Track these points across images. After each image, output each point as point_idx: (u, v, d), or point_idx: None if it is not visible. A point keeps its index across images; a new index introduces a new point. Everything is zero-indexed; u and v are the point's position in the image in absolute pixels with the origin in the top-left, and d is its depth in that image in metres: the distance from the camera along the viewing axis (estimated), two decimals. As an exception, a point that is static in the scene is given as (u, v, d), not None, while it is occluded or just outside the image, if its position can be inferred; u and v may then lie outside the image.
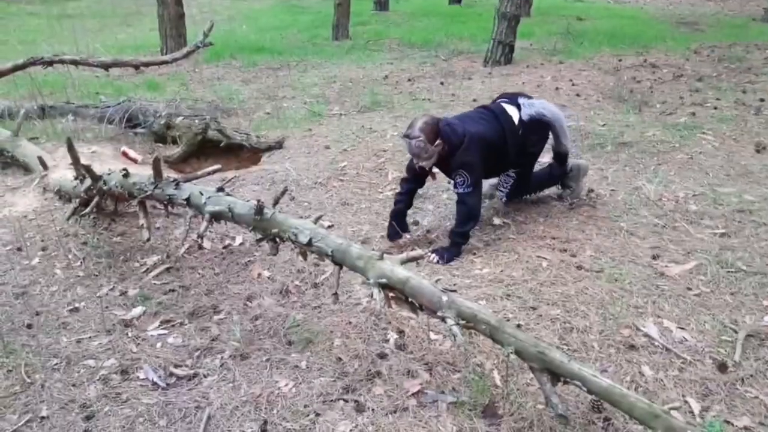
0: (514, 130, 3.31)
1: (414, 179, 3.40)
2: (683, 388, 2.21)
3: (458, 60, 8.60)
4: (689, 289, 2.80)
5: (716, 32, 10.27)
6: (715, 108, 5.61)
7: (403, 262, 2.31)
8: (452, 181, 3.23)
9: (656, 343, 2.44)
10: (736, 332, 2.48)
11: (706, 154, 4.46)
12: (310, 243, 2.45)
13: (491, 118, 3.32)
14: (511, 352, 1.98)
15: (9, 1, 17.73)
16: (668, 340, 2.46)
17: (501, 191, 3.67)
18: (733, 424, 2.04)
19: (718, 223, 3.41)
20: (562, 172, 3.71)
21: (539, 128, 3.42)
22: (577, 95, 6.24)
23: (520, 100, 3.41)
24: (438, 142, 3.09)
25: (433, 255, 3.17)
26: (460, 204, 3.23)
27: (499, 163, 3.45)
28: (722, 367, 2.29)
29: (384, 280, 2.22)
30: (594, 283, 2.86)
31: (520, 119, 3.33)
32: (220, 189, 2.84)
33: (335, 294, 2.44)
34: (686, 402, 2.14)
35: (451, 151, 3.14)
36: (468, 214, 3.22)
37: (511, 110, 3.36)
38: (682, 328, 2.52)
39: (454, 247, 3.22)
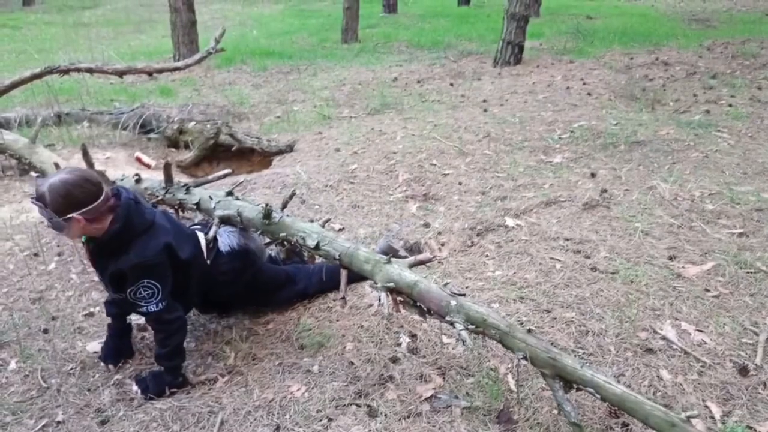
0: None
1: None
2: (703, 393, 2.16)
3: (467, 61, 8.57)
4: (707, 290, 2.75)
5: (729, 29, 10.15)
6: (730, 105, 5.53)
7: (412, 266, 2.29)
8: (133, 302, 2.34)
9: (674, 346, 2.39)
10: (756, 334, 2.43)
11: (721, 152, 4.39)
12: (317, 247, 2.44)
13: None
14: (523, 358, 1.95)
15: (27, 12, 18.00)
16: (687, 343, 2.41)
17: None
18: (755, 430, 1.99)
19: (735, 223, 3.35)
20: None
21: None
22: (589, 94, 6.18)
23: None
24: (76, 216, 2.13)
25: (135, 387, 2.41)
26: (156, 326, 2.42)
27: None
28: (743, 371, 2.24)
29: (392, 284, 2.19)
30: (609, 285, 2.81)
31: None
32: (230, 193, 2.84)
33: (343, 298, 2.43)
34: (706, 407, 2.09)
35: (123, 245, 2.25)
36: (169, 330, 2.40)
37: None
38: (701, 331, 2.48)
39: (168, 374, 2.41)
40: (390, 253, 2.65)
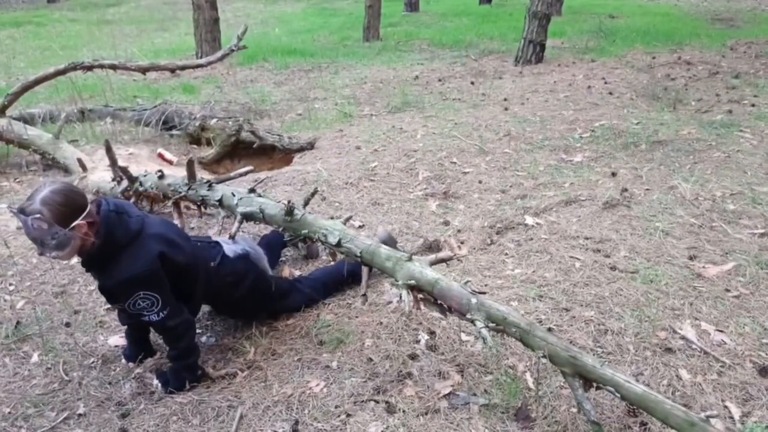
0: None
1: None
2: (722, 393, 2.15)
3: (489, 59, 8.55)
4: (728, 290, 2.73)
5: (753, 28, 9.99)
6: (753, 105, 5.46)
7: (433, 264, 2.30)
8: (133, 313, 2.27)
9: (694, 346, 2.38)
10: (777, 336, 2.41)
11: (743, 152, 4.33)
12: (339, 244, 2.46)
13: None
14: (543, 356, 1.96)
15: (52, 9, 18.28)
16: (706, 343, 2.40)
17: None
18: (774, 431, 1.98)
19: (757, 223, 3.31)
20: None
21: None
22: (610, 93, 6.13)
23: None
24: (80, 222, 2.04)
25: (156, 382, 2.42)
26: (161, 331, 2.36)
27: None
28: (763, 371, 2.23)
29: (413, 282, 2.21)
30: (629, 285, 2.80)
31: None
32: (252, 190, 2.87)
33: (364, 295, 2.44)
34: (726, 407, 2.08)
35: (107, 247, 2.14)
36: (176, 333, 2.35)
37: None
38: (721, 331, 2.46)
39: (185, 371, 2.40)
40: (390, 243, 2.71)
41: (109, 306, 2.49)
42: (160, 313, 2.19)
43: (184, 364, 2.38)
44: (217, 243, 2.62)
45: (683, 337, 2.43)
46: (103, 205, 2.13)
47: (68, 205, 1.98)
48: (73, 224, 1.98)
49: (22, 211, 1.95)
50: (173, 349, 2.36)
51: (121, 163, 3.60)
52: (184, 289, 2.34)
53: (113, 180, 3.70)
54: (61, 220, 1.96)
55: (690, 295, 2.70)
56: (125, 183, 3.48)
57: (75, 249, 2.06)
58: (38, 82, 5.21)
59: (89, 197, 2.12)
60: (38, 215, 1.92)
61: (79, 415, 2.25)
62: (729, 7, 13.38)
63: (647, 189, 3.82)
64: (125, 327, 2.58)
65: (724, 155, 4.29)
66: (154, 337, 2.64)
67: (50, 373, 2.48)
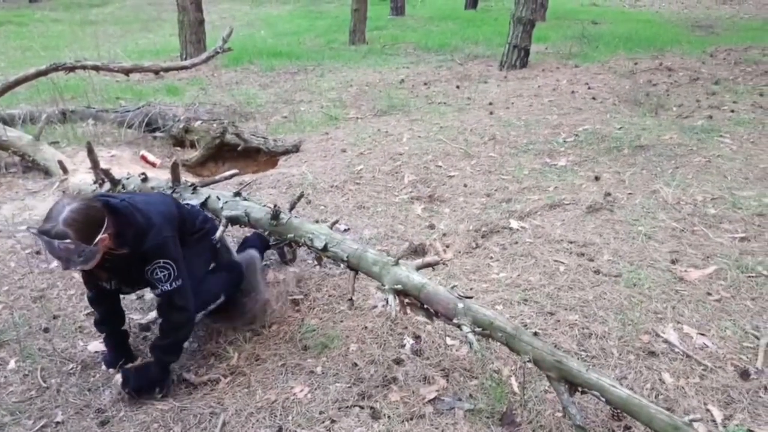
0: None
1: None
2: (705, 396, 2.17)
3: (474, 64, 8.58)
4: (709, 294, 2.76)
5: (732, 35, 10.14)
6: (732, 111, 5.53)
7: (419, 268, 2.30)
8: (150, 281, 2.26)
9: (676, 350, 2.40)
10: (758, 338, 2.44)
11: (723, 157, 4.39)
12: (325, 248, 2.45)
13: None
14: (528, 361, 1.96)
15: (34, 9, 18.06)
16: (689, 346, 2.42)
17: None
18: (756, 434, 2.00)
19: (737, 227, 3.35)
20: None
21: None
22: (593, 98, 6.18)
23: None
24: (102, 236, 2.06)
25: (118, 376, 2.36)
26: (165, 309, 2.33)
27: None
28: (744, 374, 2.25)
29: (399, 286, 2.20)
30: (612, 288, 2.82)
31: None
32: (237, 193, 2.85)
33: (350, 300, 2.44)
34: (708, 410, 2.10)
35: (137, 240, 2.19)
36: (177, 321, 2.35)
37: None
38: (703, 334, 2.48)
39: (156, 368, 2.35)
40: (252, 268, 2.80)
41: (123, 294, 2.50)
42: (173, 282, 2.23)
43: (161, 359, 2.34)
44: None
45: (666, 341, 2.45)
46: (113, 202, 2.18)
47: (90, 223, 2.03)
48: (97, 239, 2.03)
49: (46, 233, 1.97)
50: (163, 337, 2.34)
51: (103, 165, 3.56)
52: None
53: (95, 182, 3.64)
54: (85, 238, 2.00)
55: (672, 299, 2.73)
56: (107, 186, 3.44)
57: (99, 259, 2.10)
58: (19, 82, 5.14)
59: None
60: (65, 239, 1.96)
61: (57, 423, 2.22)
62: (708, 15, 13.57)
63: (630, 193, 3.85)
64: (103, 339, 2.54)
65: (704, 160, 4.34)
66: (135, 342, 2.61)
67: (27, 379, 2.44)
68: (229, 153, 5.22)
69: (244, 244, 3.09)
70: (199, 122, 5.28)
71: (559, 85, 6.87)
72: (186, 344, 2.63)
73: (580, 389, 1.91)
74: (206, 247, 2.65)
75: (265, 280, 2.94)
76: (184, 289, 2.28)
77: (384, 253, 2.43)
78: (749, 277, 2.86)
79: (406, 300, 2.23)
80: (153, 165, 4.87)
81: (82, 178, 4.00)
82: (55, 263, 3.30)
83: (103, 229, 2.05)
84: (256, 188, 4.23)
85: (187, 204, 2.76)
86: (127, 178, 3.36)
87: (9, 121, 5.26)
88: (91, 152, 3.44)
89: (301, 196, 2.83)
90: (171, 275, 2.23)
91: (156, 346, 2.35)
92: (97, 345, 2.64)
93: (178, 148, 5.34)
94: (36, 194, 4.26)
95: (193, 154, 5.07)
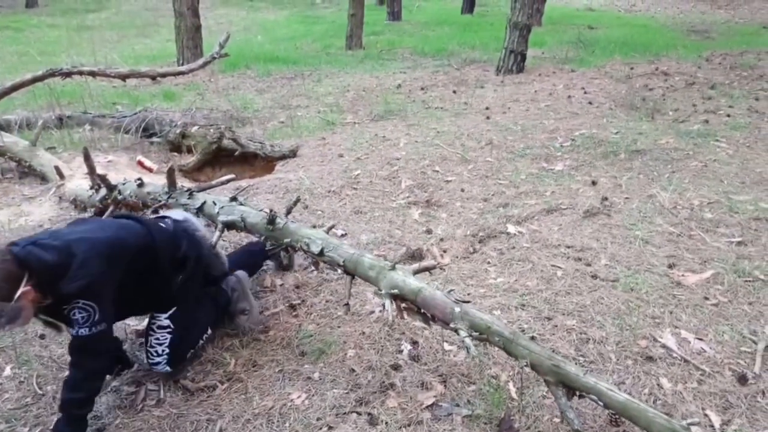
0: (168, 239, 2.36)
1: None
2: (703, 401, 2.17)
3: (471, 69, 8.60)
4: (706, 298, 2.76)
5: (727, 40, 10.20)
6: (728, 115, 5.56)
7: (416, 272, 2.30)
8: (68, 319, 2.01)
9: (674, 355, 2.40)
10: (755, 343, 2.44)
11: (720, 161, 4.40)
12: (322, 253, 2.45)
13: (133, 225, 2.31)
14: (526, 365, 1.96)
15: (30, 14, 18.05)
16: (686, 351, 2.42)
17: (153, 358, 2.38)
18: (754, 438, 2.00)
19: (734, 232, 3.36)
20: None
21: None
22: (590, 103, 6.20)
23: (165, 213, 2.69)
24: (24, 289, 1.86)
25: None
26: (80, 355, 2.05)
27: (145, 286, 2.27)
28: (742, 379, 2.25)
29: (396, 291, 2.20)
30: (610, 293, 2.82)
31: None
32: (234, 198, 2.84)
33: (347, 305, 2.43)
34: (706, 415, 2.10)
35: (53, 280, 1.93)
36: (92, 368, 2.10)
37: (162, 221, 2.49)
38: (701, 339, 2.48)
39: (71, 427, 2.06)
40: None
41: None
42: (92, 327, 1.97)
43: (77, 415, 2.07)
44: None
45: (664, 346, 2.45)
46: (21, 251, 1.91)
47: (5, 280, 1.83)
48: (17, 294, 1.84)
49: None
50: (74, 391, 2.05)
51: (100, 170, 3.56)
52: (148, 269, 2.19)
53: (91, 188, 3.64)
54: (3, 297, 1.82)
55: (670, 303, 2.73)
56: (104, 191, 3.43)
57: (29, 314, 1.91)
58: (15, 88, 5.13)
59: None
60: None
61: (53, 429, 2.20)
62: (704, 20, 13.65)
63: (627, 198, 3.86)
64: None
65: (701, 164, 4.35)
66: (131, 348, 2.60)
67: (23, 386, 2.42)
68: (226, 158, 5.21)
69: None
70: (196, 127, 5.28)
71: (556, 90, 6.89)
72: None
73: (578, 393, 1.91)
74: (196, 279, 2.46)
75: (258, 298, 2.88)
76: (105, 335, 2.04)
77: (381, 258, 2.43)
78: (746, 281, 2.87)
79: (403, 305, 2.22)
80: (150, 170, 4.86)
81: (79, 184, 4.00)
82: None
83: (24, 282, 1.85)
84: (253, 193, 4.22)
85: (181, 221, 2.53)
86: (124, 184, 3.36)
87: (5, 127, 5.25)
88: (87, 158, 3.44)
89: (298, 200, 2.83)
90: (91, 318, 1.96)
91: (66, 401, 2.04)
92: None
93: (175, 154, 5.33)
94: (32, 200, 4.25)
95: (190, 159, 5.06)
